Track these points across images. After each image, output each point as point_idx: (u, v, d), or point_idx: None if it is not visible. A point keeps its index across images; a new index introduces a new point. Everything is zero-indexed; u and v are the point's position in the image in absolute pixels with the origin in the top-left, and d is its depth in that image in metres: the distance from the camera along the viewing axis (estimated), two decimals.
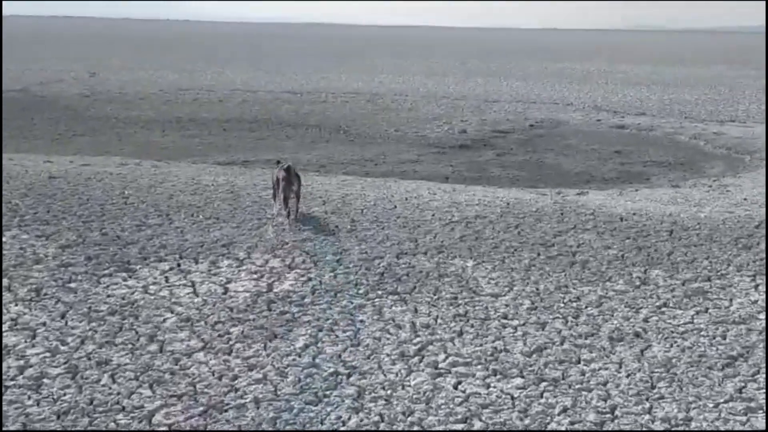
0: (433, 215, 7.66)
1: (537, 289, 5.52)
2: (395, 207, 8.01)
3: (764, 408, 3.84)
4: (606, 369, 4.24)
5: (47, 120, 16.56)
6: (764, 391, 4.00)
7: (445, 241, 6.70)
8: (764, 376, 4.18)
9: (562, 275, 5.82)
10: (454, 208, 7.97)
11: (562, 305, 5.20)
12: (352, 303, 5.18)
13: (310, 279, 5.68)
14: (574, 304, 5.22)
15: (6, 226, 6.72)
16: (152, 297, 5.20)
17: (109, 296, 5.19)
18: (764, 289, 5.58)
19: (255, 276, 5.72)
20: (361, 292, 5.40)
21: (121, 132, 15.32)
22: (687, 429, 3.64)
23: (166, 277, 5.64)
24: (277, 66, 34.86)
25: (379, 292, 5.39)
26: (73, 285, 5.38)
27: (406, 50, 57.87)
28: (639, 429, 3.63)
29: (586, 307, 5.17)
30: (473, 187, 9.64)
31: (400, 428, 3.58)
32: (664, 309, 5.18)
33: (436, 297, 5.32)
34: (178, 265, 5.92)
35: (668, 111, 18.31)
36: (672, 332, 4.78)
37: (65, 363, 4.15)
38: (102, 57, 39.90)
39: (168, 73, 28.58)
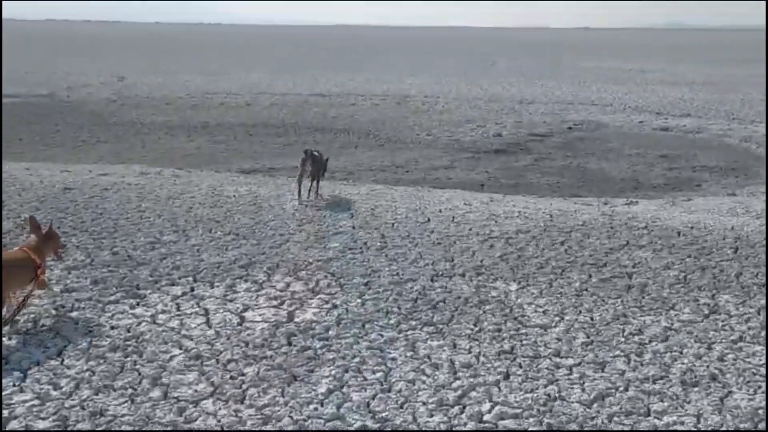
0: (470, 230, 7.04)
1: (591, 318, 4.88)
2: (428, 220, 7.41)
3: None
4: (682, 423, 3.59)
5: (71, 126, 16.25)
6: None
7: (484, 261, 6.07)
8: None
9: (618, 302, 5.17)
10: (492, 222, 7.34)
11: (623, 339, 4.55)
12: (382, 336, 4.59)
13: (335, 306, 5.10)
14: (636, 338, 4.57)
15: (9, 245, 6.25)
16: (160, 328, 4.66)
17: (113, 328, 4.66)
18: None
19: (275, 302, 5.16)
20: (392, 322, 4.81)
21: (146, 138, 14.93)
22: None
23: (177, 304, 5.10)
24: (305, 68, 34.46)
25: (413, 323, 4.79)
26: (74, 314, 4.86)
27: (435, 51, 57.20)
28: None
29: (651, 342, 4.51)
30: (512, 197, 8.99)
31: None
32: (740, 344, 4.51)
33: (476, 329, 4.71)
34: (192, 289, 5.39)
35: (714, 112, 17.43)
36: (753, 374, 4.11)
37: (54, 413, 3.62)
38: (131, 61, 39.88)
39: (196, 77, 28.30)
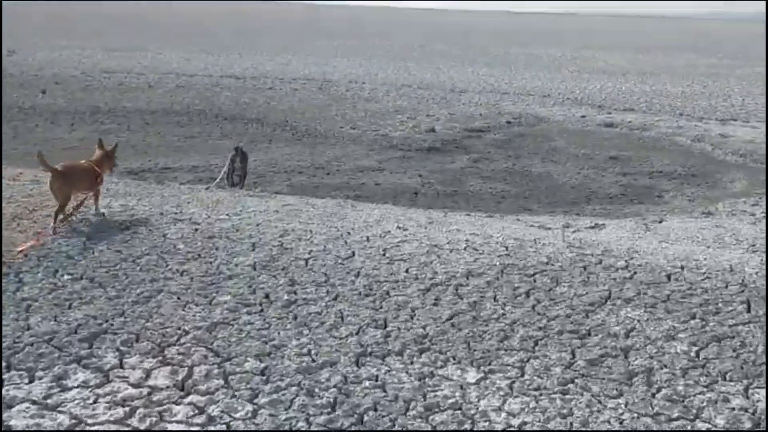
0: (406, 271, 5.40)
1: None
2: (353, 255, 5.74)
3: None
4: None
5: None
6: None
7: (428, 327, 4.46)
8: None
9: (621, 406, 3.63)
10: (434, 257, 5.73)
11: None
12: None
13: (211, 419, 3.39)
14: None
15: None
16: None
17: None
18: None
19: (119, 413, 3.40)
20: None
21: (20, 126, 12.66)
22: None
23: None
24: (222, 47, 32.07)
25: None
26: None
27: (364, 31, 55.25)
28: None
29: None
30: (454, 215, 7.41)
31: None
32: None
33: None
34: None
35: (658, 106, 16.35)
36: None
37: None
38: (28, 33, 36.45)
39: (97, 53, 25.62)
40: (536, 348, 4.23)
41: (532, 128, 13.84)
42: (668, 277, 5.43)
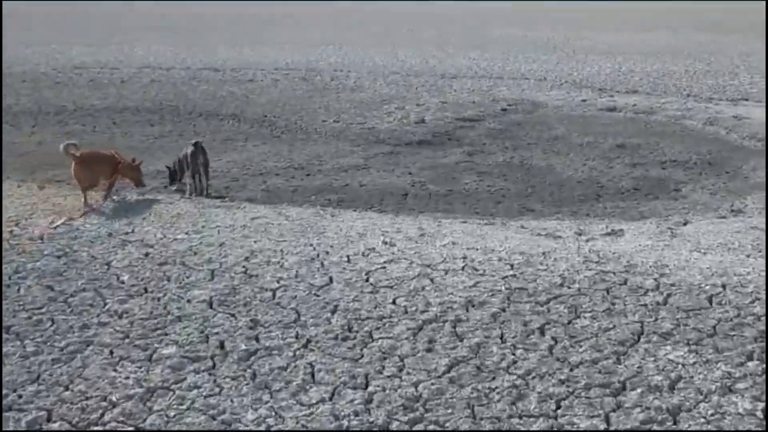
0: (394, 302, 4.48)
1: None
2: (329, 282, 4.81)
3: None
4: None
5: None
6: None
7: (422, 386, 3.54)
8: None
9: None
10: (426, 281, 4.81)
11: None
12: None
13: None
14: None
15: None
16: None
17: None
18: None
19: None
20: None
21: None
22: None
23: None
24: (201, 37, 30.94)
25: None
26: None
27: (351, 17, 54.04)
28: None
29: None
30: (449, 224, 6.46)
31: None
32: None
33: None
34: None
35: (663, 87, 15.38)
36: None
37: None
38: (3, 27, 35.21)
39: (72, 48, 24.48)
40: (559, 412, 3.31)
41: (530, 115, 12.88)
42: (710, 300, 4.51)
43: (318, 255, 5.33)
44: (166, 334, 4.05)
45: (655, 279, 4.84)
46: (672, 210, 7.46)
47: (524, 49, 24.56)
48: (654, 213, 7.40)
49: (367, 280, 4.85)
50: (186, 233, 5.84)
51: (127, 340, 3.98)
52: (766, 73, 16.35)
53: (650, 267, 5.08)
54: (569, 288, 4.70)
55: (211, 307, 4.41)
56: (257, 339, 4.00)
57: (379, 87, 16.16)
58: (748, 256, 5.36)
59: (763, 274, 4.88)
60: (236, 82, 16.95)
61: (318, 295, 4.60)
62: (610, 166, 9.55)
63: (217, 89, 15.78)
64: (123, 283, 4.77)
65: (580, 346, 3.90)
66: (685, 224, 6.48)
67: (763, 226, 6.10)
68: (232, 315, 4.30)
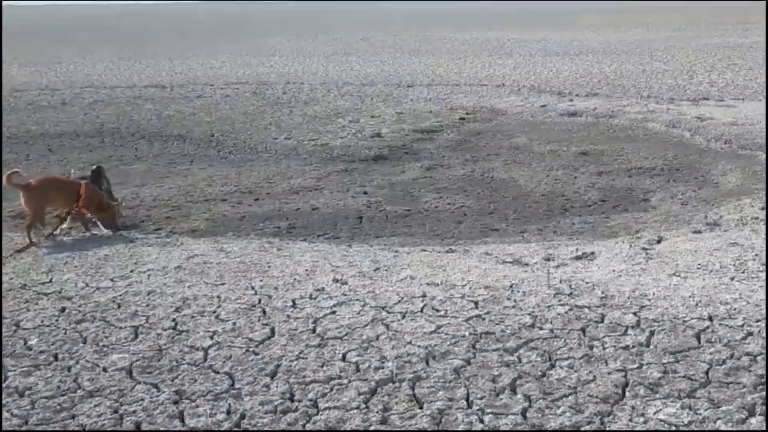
0: (344, 358, 3.91)
1: None
2: (271, 334, 4.23)
3: None
4: None
5: None
6: None
7: None
8: None
9: None
10: (382, 330, 4.25)
11: None
12: None
13: None
14: None
15: None
16: None
17: None
18: None
19: None
20: None
21: None
22: None
23: None
24: (150, 52, 30.06)
25: None
26: None
27: (302, 26, 53.35)
28: None
29: None
30: (407, 254, 5.91)
31: None
32: None
33: None
34: None
35: (621, 89, 15.08)
36: None
37: None
38: None
39: (11, 68, 23.46)
40: None
41: (489, 123, 12.43)
42: (697, 337, 4.03)
43: (259, 300, 4.74)
44: (73, 417, 3.42)
45: (635, 313, 4.35)
46: (643, 224, 7.03)
47: (479, 53, 24.25)
48: (624, 228, 6.95)
49: (313, 330, 4.27)
50: (111, 280, 5.20)
51: (24, 428, 3.34)
52: (766, 70, 16.05)
53: (628, 298, 4.59)
54: (541, 329, 4.18)
55: (130, 377, 3.79)
56: (181, 417, 3.39)
57: (332, 98, 15.62)
58: (732, 278, 4.90)
59: (752, 301, 4.42)
60: (184, 100, 16.26)
61: (257, 353, 4.00)
62: (574, 176, 9.11)
63: (163, 108, 15.06)
64: (30, 349, 4.12)
65: (558, 407, 3.37)
66: (659, 241, 6.02)
67: (743, 241, 5.66)
68: (155, 386, 3.68)
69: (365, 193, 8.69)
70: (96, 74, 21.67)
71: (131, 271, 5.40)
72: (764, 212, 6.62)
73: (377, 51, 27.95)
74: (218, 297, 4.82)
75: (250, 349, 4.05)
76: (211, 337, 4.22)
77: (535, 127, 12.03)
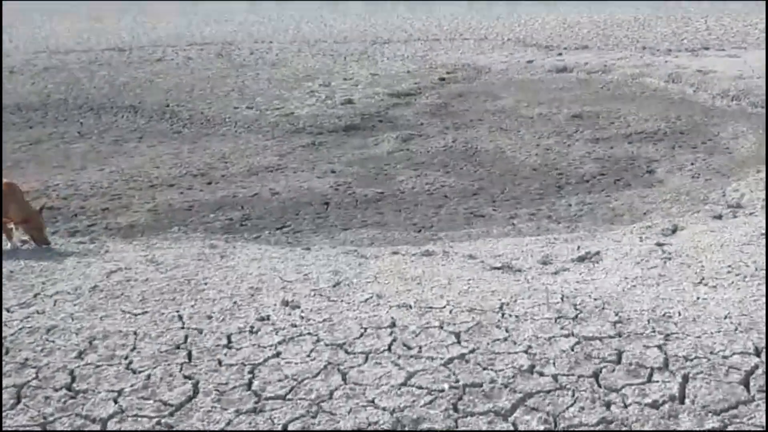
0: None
1: None
2: (193, 394, 3.27)
3: None
4: None
5: None
6: None
7: None
8: None
9: None
10: (336, 379, 3.30)
11: None
12: None
13: None
14: None
15: None
16: None
17: None
18: None
19: None
20: None
21: None
22: None
23: None
24: (116, 9, 28.47)
25: None
26: None
27: None
28: None
29: None
30: (373, 260, 4.93)
31: None
32: None
33: None
34: None
35: (614, 40, 13.98)
36: None
37: None
38: None
39: None
40: None
41: (472, 84, 11.36)
42: (746, 384, 3.09)
43: (186, 338, 3.76)
44: None
45: (660, 347, 3.40)
46: (650, 204, 6.08)
47: (460, 3, 22.94)
48: (629, 209, 6.01)
49: (249, 386, 3.30)
50: (7, 310, 4.19)
51: None
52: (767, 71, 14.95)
53: (648, 322, 3.64)
54: (542, 376, 3.24)
55: None
56: None
57: (302, 59, 14.44)
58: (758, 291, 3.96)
59: None
60: (142, 63, 15.04)
61: (171, 427, 3.04)
62: (567, 144, 8.12)
63: (118, 74, 13.85)
64: None
65: None
66: (674, 231, 5.07)
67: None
68: None
69: (333, 172, 7.68)
70: (54, 37, 20.27)
71: (35, 295, 4.40)
72: None
73: (352, 4, 26.53)
74: (135, 333, 3.83)
75: (163, 420, 3.09)
76: (115, 400, 3.24)
77: (522, 87, 10.98)
